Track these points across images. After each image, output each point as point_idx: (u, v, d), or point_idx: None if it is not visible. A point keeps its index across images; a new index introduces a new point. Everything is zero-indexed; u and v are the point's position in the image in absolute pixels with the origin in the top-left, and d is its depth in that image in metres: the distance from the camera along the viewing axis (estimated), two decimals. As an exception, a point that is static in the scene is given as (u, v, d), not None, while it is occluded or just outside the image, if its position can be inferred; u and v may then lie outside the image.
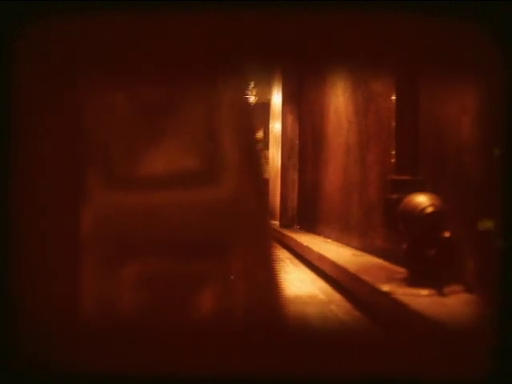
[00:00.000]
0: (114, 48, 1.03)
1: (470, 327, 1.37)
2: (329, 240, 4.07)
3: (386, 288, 1.90)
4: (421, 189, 1.97)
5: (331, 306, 2.33)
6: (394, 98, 2.07)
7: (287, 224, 5.88)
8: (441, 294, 1.78)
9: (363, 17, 1.72)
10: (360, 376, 1.21)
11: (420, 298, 1.73)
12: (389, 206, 1.99)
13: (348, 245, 3.53)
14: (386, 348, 1.47)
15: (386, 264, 2.57)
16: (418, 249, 1.86)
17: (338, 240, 3.84)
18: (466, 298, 1.75)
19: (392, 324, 1.76)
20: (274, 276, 0.95)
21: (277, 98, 6.73)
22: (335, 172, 3.97)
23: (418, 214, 1.83)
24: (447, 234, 1.77)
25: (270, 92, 7.98)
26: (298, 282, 3.00)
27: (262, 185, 1.08)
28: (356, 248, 3.32)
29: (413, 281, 1.89)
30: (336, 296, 2.55)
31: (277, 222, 6.41)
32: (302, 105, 5.63)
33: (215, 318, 0.94)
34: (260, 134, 10.77)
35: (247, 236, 0.94)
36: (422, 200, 1.85)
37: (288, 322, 0.98)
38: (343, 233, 3.69)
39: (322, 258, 3.10)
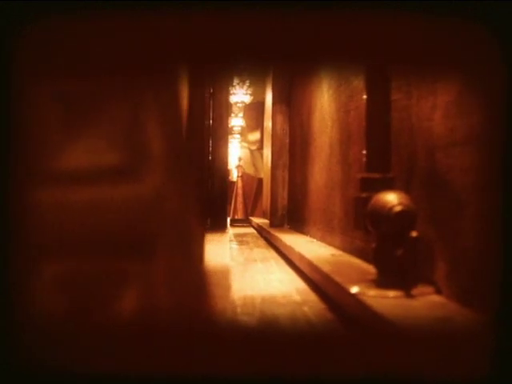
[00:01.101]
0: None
1: (427, 331, 1.32)
2: (314, 240, 4.01)
3: (353, 289, 1.85)
4: (391, 187, 1.91)
5: (304, 307, 2.28)
6: (365, 96, 2.02)
7: (277, 223, 5.83)
8: (408, 295, 1.72)
9: (350, 15, 1.68)
10: (304, 379, 1.16)
11: (385, 300, 1.68)
12: (358, 204, 1.94)
13: (331, 245, 3.48)
14: (342, 352, 1.41)
15: (363, 264, 2.52)
16: (386, 249, 1.81)
17: (322, 240, 3.78)
18: (434, 300, 1.70)
19: (355, 326, 1.71)
20: (200, 278, 0.90)
21: (269, 98, 6.69)
22: (320, 171, 3.91)
23: (386, 212, 1.77)
24: (414, 234, 1.72)
25: (264, 92, 7.94)
26: (276, 283, 2.95)
27: (192, 184, 1.03)
28: (338, 248, 3.27)
29: (382, 282, 1.83)
30: (312, 297, 2.49)
31: (268, 221, 6.36)
32: (292, 104, 5.58)
33: (137, 319, 0.89)
34: (257, 135, 10.73)
35: (172, 236, 0.89)
36: (391, 198, 1.80)
37: (217, 322, 0.94)
38: (327, 232, 3.63)
39: (301, 258, 3.04)
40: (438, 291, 1.80)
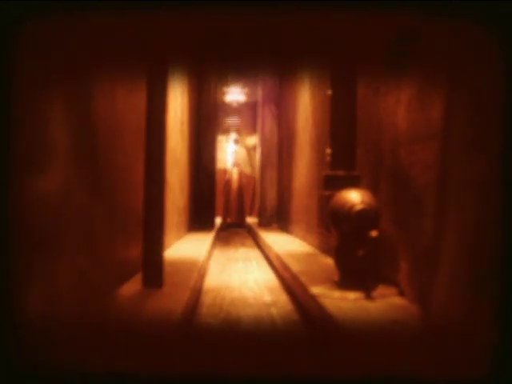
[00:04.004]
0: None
1: (373, 334, 1.26)
2: (297, 239, 3.96)
3: (315, 290, 1.79)
4: (357, 185, 1.85)
5: (272, 308, 2.22)
6: (329, 92, 1.96)
7: (265, 223, 5.77)
8: (369, 297, 1.67)
9: (335, 15, 1.63)
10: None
11: (344, 302, 1.62)
12: (322, 203, 1.88)
13: (311, 244, 3.42)
14: (294, 354, 1.36)
15: (336, 265, 2.45)
16: (347, 249, 1.75)
17: (304, 239, 3.73)
18: (393, 302, 1.64)
19: (315, 329, 1.66)
20: (108, 276, 0.85)
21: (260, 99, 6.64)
22: (302, 170, 3.86)
23: (346, 211, 1.71)
24: (374, 234, 1.66)
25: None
26: (251, 283, 2.89)
27: (103, 182, 0.97)
28: (317, 247, 3.21)
29: (344, 283, 1.78)
30: (283, 297, 2.43)
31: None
32: (280, 105, 5.52)
33: (43, 317, 0.83)
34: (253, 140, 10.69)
35: (78, 234, 0.84)
36: (353, 197, 1.74)
37: (123, 324, 0.89)
38: (307, 232, 3.58)
39: (277, 257, 2.99)
40: (401, 293, 1.74)
